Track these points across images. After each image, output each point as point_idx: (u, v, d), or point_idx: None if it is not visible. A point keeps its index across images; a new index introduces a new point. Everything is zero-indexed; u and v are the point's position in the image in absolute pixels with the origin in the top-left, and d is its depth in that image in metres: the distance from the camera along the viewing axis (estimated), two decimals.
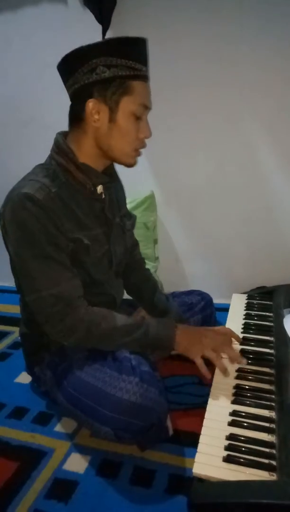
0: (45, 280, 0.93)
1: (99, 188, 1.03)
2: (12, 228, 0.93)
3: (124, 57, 0.90)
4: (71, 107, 0.98)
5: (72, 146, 0.98)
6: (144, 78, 0.95)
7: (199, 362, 0.95)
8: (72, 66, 0.92)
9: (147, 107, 0.97)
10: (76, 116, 0.97)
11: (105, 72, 0.90)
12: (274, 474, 0.70)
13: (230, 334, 1.06)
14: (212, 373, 0.97)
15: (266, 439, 0.78)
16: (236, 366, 1.00)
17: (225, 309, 1.31)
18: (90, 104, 0.92)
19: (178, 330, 1.00)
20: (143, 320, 1.01)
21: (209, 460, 0.74)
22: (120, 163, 1.02)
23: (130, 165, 1.01)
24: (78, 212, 0.99)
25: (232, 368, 0.98)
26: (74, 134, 0.99)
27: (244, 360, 0.96)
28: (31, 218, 0.90)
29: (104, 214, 1.06)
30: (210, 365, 0.96)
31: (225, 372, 0.94)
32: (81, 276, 1.00)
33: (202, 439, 0.79)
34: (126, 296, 1.28)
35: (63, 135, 1.01)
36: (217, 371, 0.97)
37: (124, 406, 0.90)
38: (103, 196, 1.05)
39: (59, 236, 0.93)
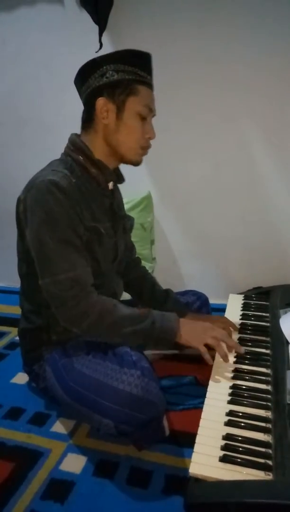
0: (64, 263, 0.96)
1: (110, 185, 1.10)
2: (36, 211, 0.97)
3: (131, 65, 1.00)
4: (84, 110, 1.06)
5: (87, 144, 1.05)
6: (149, 85, 1.04)
7: (203, 349, 0.99)
8: (86, 74, 1.03)
9: (151, 110, 1.05)
10: (88, 117, 1.05)
11: (114, 75, 1.00)
12: (270, 473, 0.70)
13: (228, 322, 1.14)
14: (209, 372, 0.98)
15: (262, 439, 0.78)
16: (233, 366, 1.00)
17: (221, 309, 1.31)
18: (100, 101, 1.01)
19: (181, 323, 1.04)
20: (149, 311, 1.04)
21: (206, 460, 0.74)
22: (127, 160, 1.09)
23: (136, 162, 1.09)
24: (92, 204, 1.05)
25: (229, 369, 0.98)
26: (87, 134, 1.07)
27: (242, 349, 1.01)
28: (56, 203, 0.95)
29: (112, 210, 1.13)
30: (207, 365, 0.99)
31: (225, 357, 0.98)
32: (90, 266, 1.03)
33: (198, 439, 0.80)
34: (123, 298, 1.28)
35: (77, 136, 1.08)
36: (214, 368, 0.98)
37: (126, 398, 0.91)
38: (113, 193, 1.13)
39: (78, 223, 0.99)
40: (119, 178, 1.17)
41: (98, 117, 1.03)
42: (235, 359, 1.03)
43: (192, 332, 1.02)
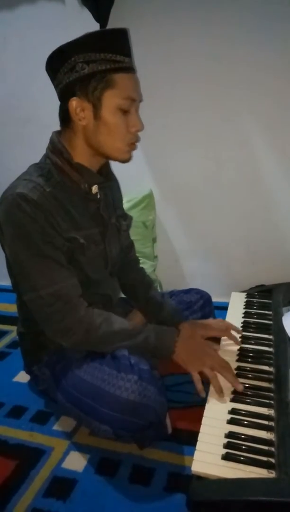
0: (43, 279, 0.93)
1: (94, 188, 1.02)
2: (8, 228, 0.93)
3: (103, 51, 0.88)
4: (59, 107, 0.97)
5: (66, 145, 0.98)
6: (128, 69, 0.92)
7: (196, 378, 0.94)
8: (54, 67, 0.93)
9: (134, 100, 0.93)
10: (65, 116, 0.97)
11: (85, 68, 0.89)
12: (273, 471, 0.70)
13: (229, 326, 1.09)
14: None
15: (265, 437, 0.78)
16: (236, 364, 1.00)
17: (224, 307, 1.31)
18: (73, 102, 0.92)
19: (179, 342, 0.99)
20: (144, 326, 1.01)
21: (208, 458, 0.74)
22: (114, 159, 1.00)
23: (124, 160, 0.99)
24: (73, 212, 0.98)
25: (232, 367, 0.97)
26: (66, 134, 0.99)
27: (241, 386, 0.90)
28: (26, 218, 0.90)
29: (99, 214, 1.06)
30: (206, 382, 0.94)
31: (220, 392, 0.90)
32: (78, 275, 1.00)
33: (201, 437, 0.79)
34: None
35: (59, 133, 1.01)
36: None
37: (123, 405, 0.90)
38: (98, 196, 1.04)
39: (55, 235, 0.93)
40: (108, 178, 1.08)
41: (74, 118, 0.93)
42: (237, 357, 1.02)
43: (189, 354, 0.97)
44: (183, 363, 0.97)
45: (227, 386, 0.92)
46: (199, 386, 0.94)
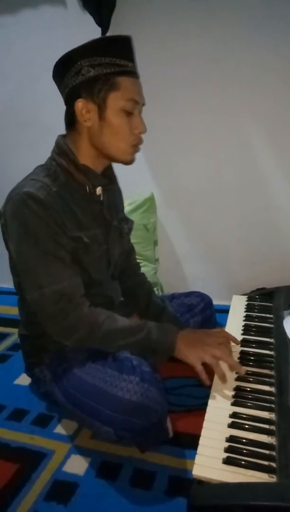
0: (48, 276, 0.94)
1: (98, 190, 1.04)
2: (14, 226, 0.94)
3: (107, 55, 0.92)
4: (65, 111, 1.00)
5: (71, 147, 1.00)
6: (131, 73, 0.95)
7: (199, 368, 0.94)
8: (61, 72, 0.96)
9: (137, 102, 0.97)
10: (70, 119, 0.99)
11: (90, 71, 0.92)
12: (274, 476, 0.70)
13: (227, 336, 1.07)
14: (211, 378, 0.95)
15: (266, 441, 0.77)
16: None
17: (225, 310, 1.31)
18: (79, 104, 0.94)
19: (179, 337, 0.99)
20: (145, 323, 1.01)
21: (209, 462, 0.74)
22: (118, 160, 1.02)
23: (128, 162, 1.02)
24: (77, 212, 1.00)
25: (231, 374, 0.97)
26: (71, 137, 1.02)
27: (243, 369, 0.94)
28: (33, 216, 0.91)
29: (102, 216, 1.08)
30: (209, 372, 0.95)
31: (223, 378, 0.93)
32: (81, 276, 1.01)
33: (202, 441, 0.79)
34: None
35: (64, 137, 1.03)
36: (216, 376, 0.96)
37: (125, 406, 0.90)
38: (102, 198, 1.06)
39: (60, 234, 0.95)
40: (111, 181, 1.10)
41: (80, 120, 0.96)
42: (238, 361, 1.02)
43: (190, 347, 0.97)
44: (184, 356, 0.96)
45: (228, 387, 0.92)
46: (203, 376, 0.93)
